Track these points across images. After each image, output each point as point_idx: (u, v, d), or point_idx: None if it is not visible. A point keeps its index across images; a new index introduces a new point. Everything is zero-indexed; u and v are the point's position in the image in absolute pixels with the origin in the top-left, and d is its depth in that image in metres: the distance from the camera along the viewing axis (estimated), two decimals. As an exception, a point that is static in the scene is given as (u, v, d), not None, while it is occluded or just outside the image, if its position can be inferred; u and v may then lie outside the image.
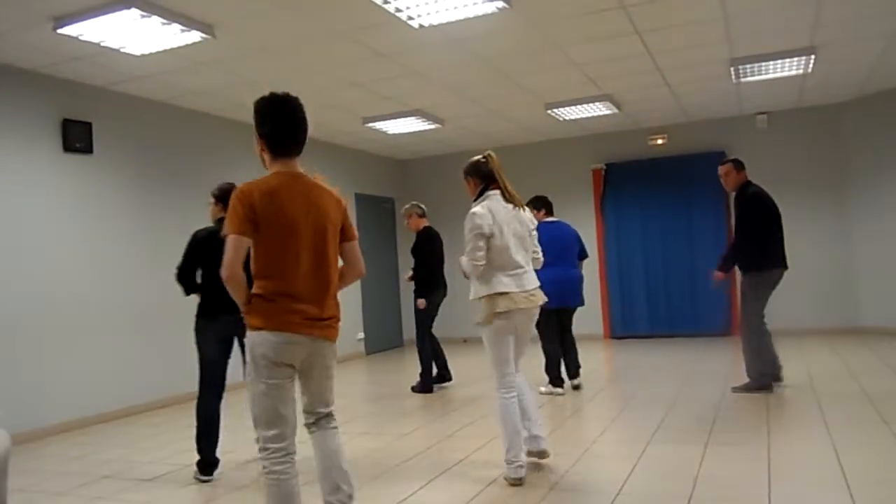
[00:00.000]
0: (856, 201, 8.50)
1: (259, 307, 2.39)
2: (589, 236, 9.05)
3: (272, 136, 2.51)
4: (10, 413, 4.94)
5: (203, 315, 3.88)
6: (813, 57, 6.37)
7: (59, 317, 5.58)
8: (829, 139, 8.65)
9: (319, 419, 2.61)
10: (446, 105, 7.56)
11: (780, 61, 6.49)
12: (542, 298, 3.61)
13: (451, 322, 8.90)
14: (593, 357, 7.84)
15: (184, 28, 4.72)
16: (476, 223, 3.43)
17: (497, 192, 3.57)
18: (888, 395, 4.94)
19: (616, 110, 8.07)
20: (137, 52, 5.18)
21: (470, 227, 3.45)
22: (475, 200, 3.60)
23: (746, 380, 5.37)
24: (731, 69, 6.66)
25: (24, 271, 5.37)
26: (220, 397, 3.93)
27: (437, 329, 6.47)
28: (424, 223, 6.40)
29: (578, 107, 7.82)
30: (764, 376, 5.27)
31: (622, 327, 9.50)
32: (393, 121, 8.01)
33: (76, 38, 4.82)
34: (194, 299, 3.95)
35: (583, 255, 6.03)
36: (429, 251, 6.29)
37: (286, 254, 2.41)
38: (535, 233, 3.70)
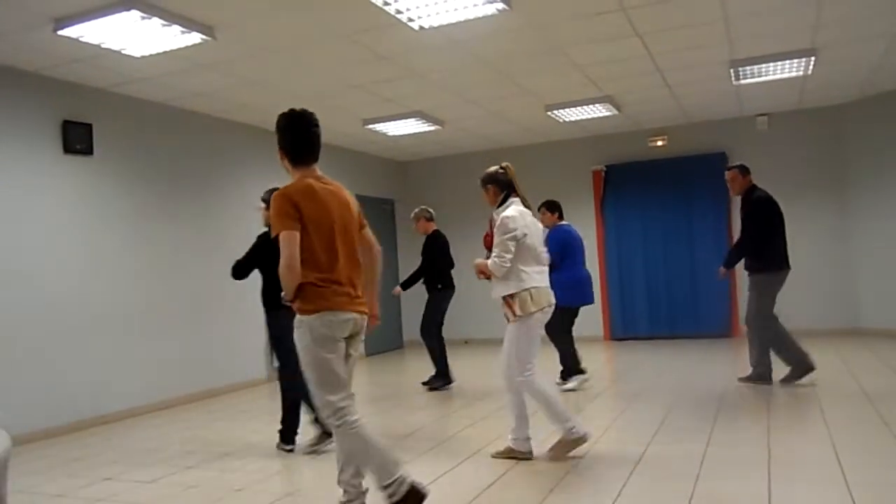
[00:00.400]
0: (856, 203, 8.51)
1: (314, 293, 2.77)
2: (589, 238, 9.04)
3: (292, 148, 2.93)
4: (9, 414, 4.95)
5: (281, 307, 4.10)
6: (813, 58, 6.38)
7: (60, 318, 5.58)
8: (829, 141, 8.65)
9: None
10: (446, 107, 7.57)
11: (780, 63, 6.49)
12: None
13: (453, 323, 8.85)
14: (594, 358, 7.82)
15: (184, 30, 4.73)
16: (511, 227, 3.72)
17: (517, 199, 3.91)
18: (888, 396, 4.93)
19: (616, 112, 8.08)
20: (138, 54, 5.18)
21: (504, 230, 3.72)
22: (498, 207, 3.92)
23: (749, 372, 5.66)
24: (732, 71, 6.67)
25: (25, 272, 5.37)
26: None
27: (439, 330, 6.57)
28: (433, 227, 6.69)
29: (579, 108, 7.82)
30: (761, 366, 5.55)
31: (622, 329, 9.50)
32: (393, 122, 8.01)
33: (77, 40, 4.82)
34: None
35: None
36: (437, 253, 6.56)
37: (329, 246, 2.82)
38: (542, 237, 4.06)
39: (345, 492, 2.95)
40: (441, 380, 6.49)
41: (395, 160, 10.76)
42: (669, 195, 9.27)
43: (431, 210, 6.77)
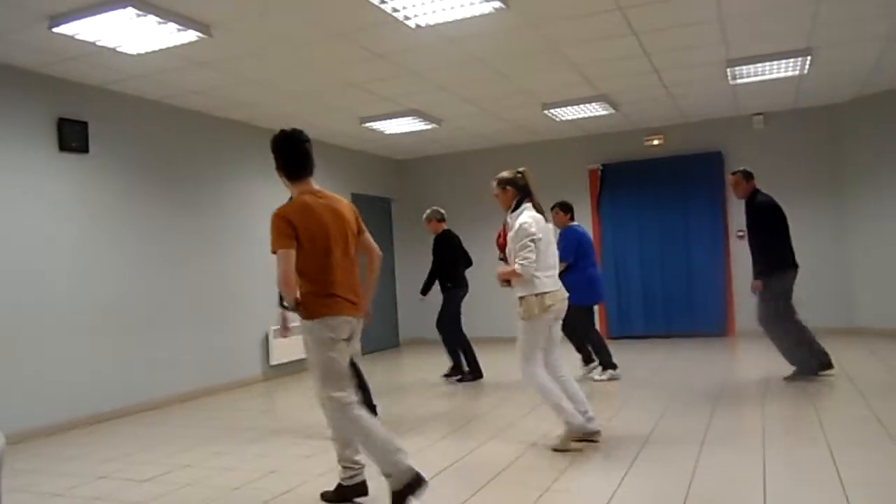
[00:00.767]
0: (853, 202, 8.52)
1: (315, 302, 3.06)
2: (586, 237, 9.06)
3: (286, 167, 3.20)
4: (5, 412, 4.94)
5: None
6: (809, 58, 6.38)
7: (55, 316, 5.56)
8: (825, 140, 8.67)
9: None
10: (443, 105, 7.56)
11: (776, 62, 6.50)
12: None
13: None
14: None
15: (180, 27, 4.71)
16: (529, 231, 3.88)
17: (530, 204, 4.05)
18: (885, 396, 4.95)
19: (613, 111, 8.08)
20: (133, 52, 5.16)
21: (523, 234, 3.87)
22: (512, 211, 4.05)
23: (790, 371, 5.70)
24: (728, 70, 6.67)
25: (20, 271, 5.35)
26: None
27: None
28: (444, 227, 6.94)
29: (575, 107, 7.82)
30: (805, 362, 5.60)
31: (618, 328, 9.50)
32: (390, 121, 8.00)
33: (72, 37, 4.80)
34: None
35: None
36: (446, 252, 6.82)
37: (326, 258, 3.09)
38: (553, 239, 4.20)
39: (344, 468, 3.24)
40: (456, 372, 6.80)
41: (392, 159, 10.75)
42: (666, 194, 9.27)
43: (443, 211, 7.02)
